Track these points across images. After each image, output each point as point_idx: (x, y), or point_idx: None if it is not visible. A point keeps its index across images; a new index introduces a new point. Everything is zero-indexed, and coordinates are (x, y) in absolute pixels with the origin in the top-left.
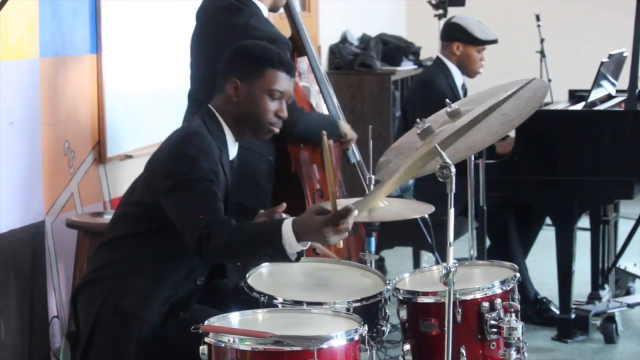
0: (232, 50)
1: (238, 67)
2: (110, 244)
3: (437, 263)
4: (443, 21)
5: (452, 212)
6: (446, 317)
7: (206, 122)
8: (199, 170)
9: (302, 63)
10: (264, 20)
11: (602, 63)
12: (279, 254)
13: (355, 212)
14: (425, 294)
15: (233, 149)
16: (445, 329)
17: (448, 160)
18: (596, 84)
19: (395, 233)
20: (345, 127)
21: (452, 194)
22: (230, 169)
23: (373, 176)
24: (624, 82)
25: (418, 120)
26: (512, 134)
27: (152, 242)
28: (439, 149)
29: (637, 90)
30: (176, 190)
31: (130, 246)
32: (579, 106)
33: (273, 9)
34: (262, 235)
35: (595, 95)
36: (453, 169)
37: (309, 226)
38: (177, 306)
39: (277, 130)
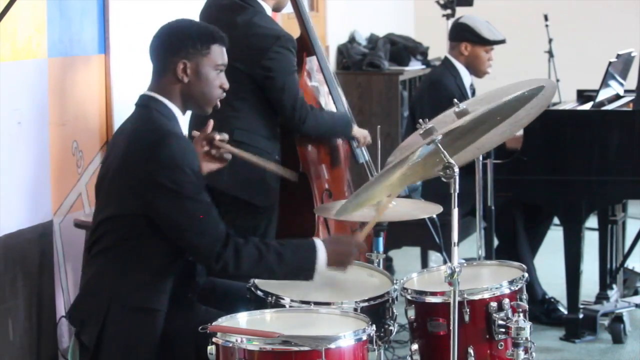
0: (168, 34)
1: (183, 48)
2: (103, 254)
3: (445, 263)
4: (451, 21)
5: (456, 212)
6: (451, 317)
7: (158, 110)
8: (189, 181)
9: (311, 63)
10: (267, 18)
11: (610, 63)
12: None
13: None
14: (434, 293)
15: (181, 123)
16: (451, 328)
17: (451, 161)
18: (604, 83)
19: (403, 233)
20: (358, 131)
21: (456, 194)
22: None
23: None
24: (632, 82)
25: (420, 121)
26: (520, 130)
27: (145, 243)
28: (441, 148)
29: None
30: (174, 203)
31: (124, 252)
32: (587, 106)
33: (276, 8)
34: (298, 270)
35: (603, 95)
36: (457, 169)
37: (341, 256)
38: (180, 290)
39: (219, 104)
